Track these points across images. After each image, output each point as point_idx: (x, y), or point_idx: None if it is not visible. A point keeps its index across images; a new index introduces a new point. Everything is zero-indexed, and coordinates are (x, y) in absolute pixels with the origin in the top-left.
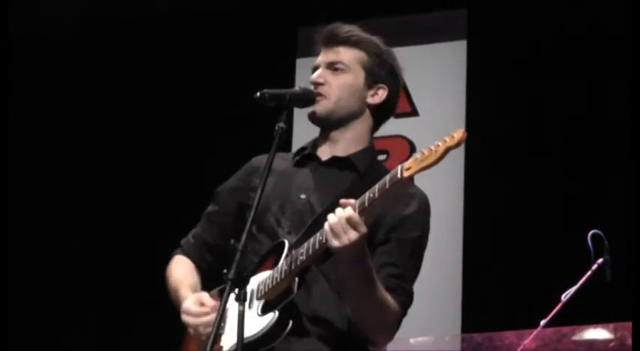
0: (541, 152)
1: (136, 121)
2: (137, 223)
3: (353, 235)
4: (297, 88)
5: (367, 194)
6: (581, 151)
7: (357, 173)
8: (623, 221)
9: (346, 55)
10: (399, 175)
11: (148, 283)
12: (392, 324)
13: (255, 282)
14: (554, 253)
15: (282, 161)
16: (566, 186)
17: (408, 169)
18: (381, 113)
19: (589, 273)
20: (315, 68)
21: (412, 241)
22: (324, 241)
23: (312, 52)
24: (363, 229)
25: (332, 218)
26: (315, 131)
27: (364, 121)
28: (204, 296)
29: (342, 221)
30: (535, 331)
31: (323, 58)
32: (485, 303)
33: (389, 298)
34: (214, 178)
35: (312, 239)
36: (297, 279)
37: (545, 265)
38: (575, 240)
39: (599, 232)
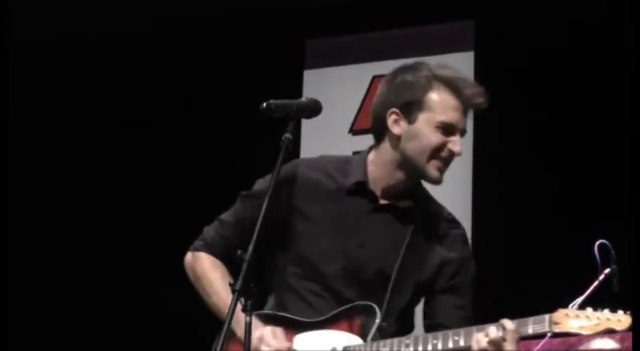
0: (549, 163)
1: (140, 128)
2: (137, 224)
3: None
4: (304, 98)
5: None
6: (590, 160)
7: (414, 223)
8: (630, 231)
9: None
10: (546, 329)
11: (149, 283)
12: None
13: (336, 341)
14: (560, 263)
15: (326, 178)
16: (574, 196)
17: (581, 328)
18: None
19: (596, 283)
20: (448, 125)
21: (472, 282)
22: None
23: (320, 64)
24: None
25: (483, 336)
26: (323, 143)
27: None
28: (279, 331)
29: (498, 337)
30: (542, 342)
31: (460, 121)
32: (492, 313)
33: None
34: (217, 184)
35: (431, 337)
36: None
37: (552, 275)
38: (581, 250)
39: (606, 242)
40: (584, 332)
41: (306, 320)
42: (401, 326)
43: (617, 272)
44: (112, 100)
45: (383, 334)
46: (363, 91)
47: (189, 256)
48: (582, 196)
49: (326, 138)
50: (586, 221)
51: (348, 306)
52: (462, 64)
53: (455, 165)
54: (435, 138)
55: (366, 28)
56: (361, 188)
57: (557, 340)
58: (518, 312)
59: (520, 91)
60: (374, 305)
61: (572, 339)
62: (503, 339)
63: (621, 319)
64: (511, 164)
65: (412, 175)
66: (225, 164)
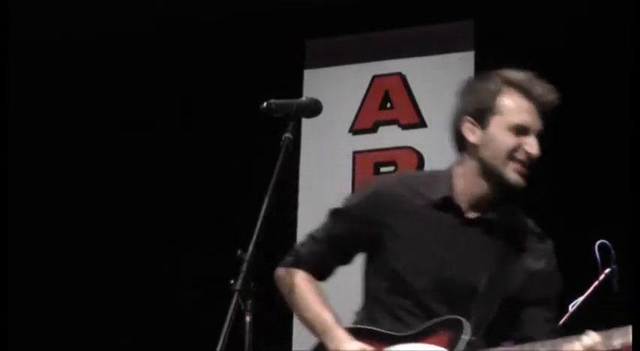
0: (549, 163)
1: (140, 128)
2: (138, 224)
3: None
4: (304, 98)
5: None
6: (590, 160)
7: (502, 237)
8: (630, 231)
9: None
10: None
11: (149, 283)
12: None
13: None
14: (561, 263)
15: (413, 194)
16: (574, 196)
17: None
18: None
19: (596, 283)
20: (521, 127)
21: (559, 295)
22: None
23: (320, 63)
24: None
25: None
26: (323, 143)
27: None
28: (368, 347)
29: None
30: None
31: (533, 122)
32: None
33: None
34: (217, 184)
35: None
36: None
37: None
38: (582, 250)
39: (607, 242)
40: None
41: (396, 334)
42: (490, 340)
43: (617, 272)
44: (112, 100)
45: (472, 348)
46: (363, 91)
47: (281, 271)
48: (582, 196)
49: (326, 138)
50: (586, 221)
51: (438, 320)
52: (462, 64)
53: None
54: (509, 140)
55: (366, 28)
56: (447, 203)
57: None
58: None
59: None
60: (463, 319)
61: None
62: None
63: None
64: None
65: (494, 183)
66: (225, 164)
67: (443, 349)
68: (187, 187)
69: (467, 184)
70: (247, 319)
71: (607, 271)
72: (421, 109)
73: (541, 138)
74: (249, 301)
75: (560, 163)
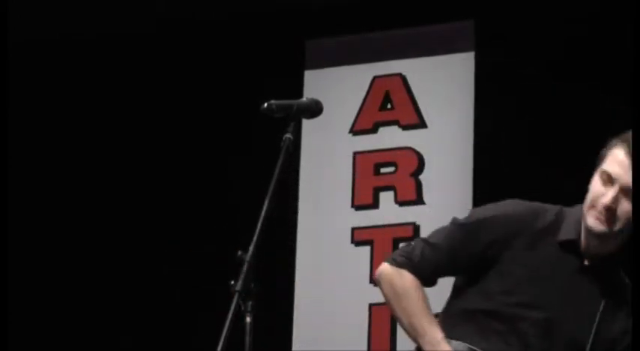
0: (550, 163)
1: (140, 128)
2: (137, 224)
3: None
4: (304, 99)
5: None
6: (590, 159)
7: (606, 288)
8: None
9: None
10: None
11: (149, 283)
12: None
13: None
14: None
15: (540, 224)
16: (576, 195)
17: None
18: None
19: None
20: (608, 176)
21: None
22: None
23: (320, 64)
24: None
25: None
26: (323, 143)
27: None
28: None
29: None
30: None
31: (621, 176)
32: None
33: None
34: (216, 184)
35: None
36: None
37: None
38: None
39: None
40: None
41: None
42: None
43: None
44: (111, 100)
45: None
46: (364, 92)
47: (389, 269)
48: (581, 194)
49: (326, 138)
50: None
51: None
52: (462, 64)
53: (455, 164)
54: (594, 186)
55: (367, 28)
56: (573, 246)
57: None
58: None
59: (520, 91)
60: None
61: None
62: None
63: None
64: (511, 164)
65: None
66: (225, 164)
67: None
68: (187, 188)
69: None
70: (247, 319)
71: None
72: (421, 109)
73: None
74: (250, 302)
75: (561, 162)
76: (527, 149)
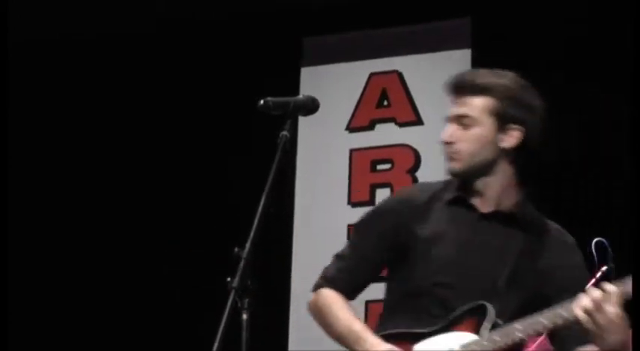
0: (547, 160)
1: (139, 127)
2: (137, 224)
3: (612, 311)
4: (301, 96)
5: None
6: (586, 157)
7: (522, 230)
8: (627, 229)
9: (473, 105)
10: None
11: (149, 283)
12: None
13: (454, 341)
14: None
15: (429, 201)
16: (571, 193)
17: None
18: (523, 153)
19: (592, 281)
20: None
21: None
22: (566, 316)
23: (317, 61)
24: (619, 308)
25: (586, 297)
26: (321, 140)
27: (505, 167)
28: (396, 348)
29: (599, 297)
30: (539, 340)
31: (452, 110)
32: None
33: None
34: (214, 182)
35: (542, 314)
36: None
37: None
38: (579, 248)
39: (603, 240)
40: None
41: (422, 331)
42: None
43: (614, 270)
44: (110, 99)
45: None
46: (360, 89)
47: (312, 297)
48: (580, 193)
49: (323, 135)
50: (583, 219)
51: (462, 308)
52: (458, 61)
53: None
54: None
55: (363, 25)
56: (461, 202)
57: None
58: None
59: None
60: (486, 304)
61: None
62: (605, 301)
63: None
64: None
65: None
66: (221, 161)
67: (469, 333)
68: (184, 185)
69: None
70: (244, 316)
71: (604, 269)
72: (418, 106)
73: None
74: (246, 299)
75: (559, 159)
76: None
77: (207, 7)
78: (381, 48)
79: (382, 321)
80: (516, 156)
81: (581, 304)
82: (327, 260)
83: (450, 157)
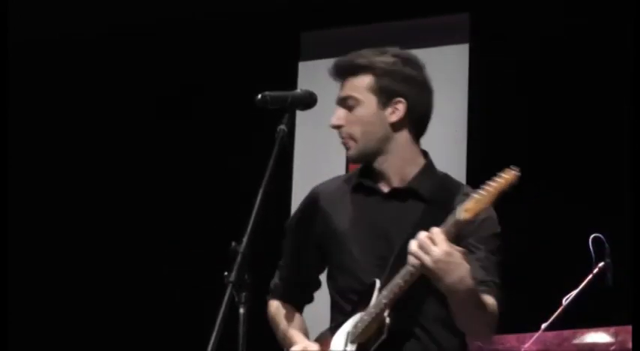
0: (543, 156)
1: (137, 124)
2: (137, 223)
3: (436, 249)
4: (299, 90)
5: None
6: (583, 153)
7: (422, 201)
8: (624, 225)
9: (353, 85)
10: (459, 218)
11: (149, 283)
12: (494, 322)
13: (349, 325)
14: (555, 256)
15: (335, 192)
16: (568, 189)
17: (467, 210)
18: (414, 124)
19: (590, 277)
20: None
21: (488, 235)
22: (412, 270)
23: (315, 55)
24: (445, 245)
25: (414, 242)
26: (317, 134)
27: (400, 141)
28: (311, 346)
29: (424, 239)
30: (536, 335)
31: (338, 93)
32: None
33: (488, 300)
34: (215, 180)
35: (398, 274)
36: (387, 319)
37: (546, 268)
38: (576, 243)
39: (600, 235)
40: (487, 199)
41: (340, 321)
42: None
43: (611, 266)
44: (109, 97)
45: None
46: None
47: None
48: (577, 190)
49: (320, 130)
50: (580, 215)
51: (364, 287)
52: (457, 56)
53: (450, 155)
54: None
55: (361, 20)
56: (365, 186)
57: (550, 334)
58: (510, 303)
59: (515, 83)
60: (376, 280)
61: (565, 332)
62: (432, 241)
63: (506, 176)
64: (506, 157)
65: None
66: (219, 156)
67: (363, 312)
68: (182, 180)
69: None
70: (241, 310)
71: (601, 264)
72: None
73: (536, 128)
74: (244, 293)
75: (557, 155)
76: (520, 140)
77: (206, 3)
78: (378, 42)
79: (333, 318)
80: (408, 127)
81: (410, 249)
82: None
83: (344, 143)
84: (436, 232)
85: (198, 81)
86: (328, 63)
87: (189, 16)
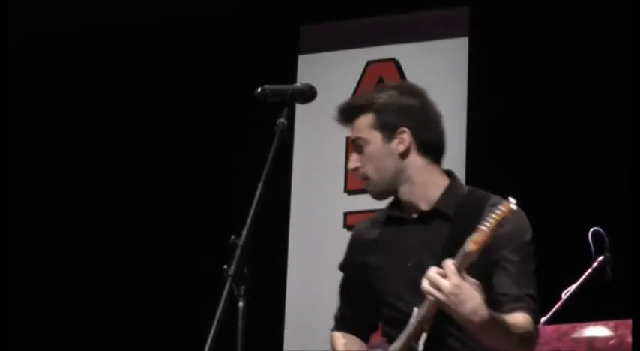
0: (542, 149)
1: (136, 121)
2: (137, 223)
3: (447, 284)
4: (298, 84)
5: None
6: (583, 148)
7: (448, 220)
8: (623, 219)
9: (358, 127)
10: (467, 250)
11: (149, 283)
12: (529, 337)
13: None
14: (554, 250)
15: (372, 229)
16: (568, 183)
17: (475, 242)
18: (424, 149)
19: (589, 270)
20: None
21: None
22: (429, 304)
23: (314, 49)
24: (456, 278)
25: (425, 279)
26: (317, 127)
27: (415, 168)
28: None
29: (433, 275)
30: None
31: (351, 135)
32: None
33: (517, 319)
34: (214, 178)
35: (422, 305)
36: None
37: (546, 262)
38: (575, 237)
39: (600, 229)
40: (489, 231)
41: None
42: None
43: (611, 260)
44: (109, 92)
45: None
46: (358, 77)
47: None
48: (576, 183)
49: (319, 123)
50: (580, 209)
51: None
52: (456, 50)
53: (449, 149)
54: None
55: (361, 13)
56: (395, 217)
57: (550, 328)
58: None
59: (514, 77)
60: (415, 308)
61: (565, 326)
62: (443, 275)
63: (502, 208)
64: (505, 151)
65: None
66: (219, 150)
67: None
68: (181, 173)
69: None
70: (240, 304)
71: (600, 258)
72: None
73: (535, 123)
74: (243, 286)
75: (556, 150)
76: (519, 134)
77: None
78: (378, 36)
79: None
80: (420, 153)
81: (422, 287)
82: (323, 248)
83: (365, 185)
84: (447, 265)
85: (198, 75)
86: (328, 56)
87: (189, 10)
